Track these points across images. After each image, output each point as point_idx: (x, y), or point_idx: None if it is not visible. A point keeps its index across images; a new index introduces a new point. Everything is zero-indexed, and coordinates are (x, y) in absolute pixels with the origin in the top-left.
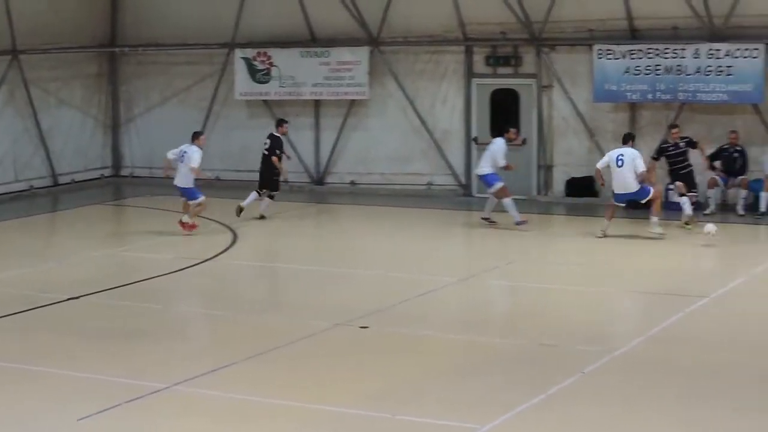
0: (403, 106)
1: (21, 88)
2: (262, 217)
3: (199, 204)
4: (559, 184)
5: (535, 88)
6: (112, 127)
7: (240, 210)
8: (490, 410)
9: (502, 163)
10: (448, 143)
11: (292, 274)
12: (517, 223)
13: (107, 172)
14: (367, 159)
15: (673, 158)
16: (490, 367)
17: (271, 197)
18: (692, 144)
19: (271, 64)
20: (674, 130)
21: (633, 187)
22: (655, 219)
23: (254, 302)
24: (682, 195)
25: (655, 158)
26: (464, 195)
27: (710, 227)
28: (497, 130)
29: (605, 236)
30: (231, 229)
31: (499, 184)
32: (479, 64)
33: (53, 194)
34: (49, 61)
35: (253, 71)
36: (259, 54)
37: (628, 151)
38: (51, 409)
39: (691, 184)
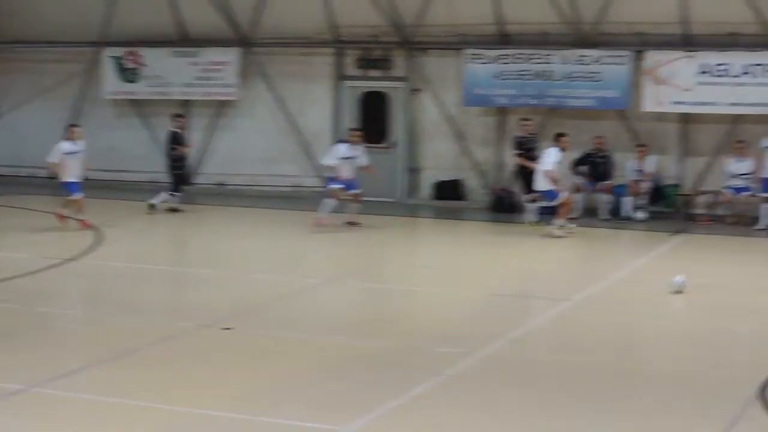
0: (273, 107)
1: None
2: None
3: (74, 200)
4: (426, 188)
5: (405, 91)
6: None
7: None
8: (351, 412)
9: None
10: (317, 145)
11: (156, 275)
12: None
13: None
14: (236, 160)
15: (527, 152)
16: (352, 368)
17: (174, 192)
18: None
19: (140, 63)
20: (525, 123)
21: (541, 186)
22: (558, 222)
23: (116, 303)
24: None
25: (519, 153)
26: None
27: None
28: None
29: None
30: (96, 229)
31: None
32: (350, 67)
33: None
34: None
35: (121, 70)
36: (128, 53)
37: (547, 150)
38: None
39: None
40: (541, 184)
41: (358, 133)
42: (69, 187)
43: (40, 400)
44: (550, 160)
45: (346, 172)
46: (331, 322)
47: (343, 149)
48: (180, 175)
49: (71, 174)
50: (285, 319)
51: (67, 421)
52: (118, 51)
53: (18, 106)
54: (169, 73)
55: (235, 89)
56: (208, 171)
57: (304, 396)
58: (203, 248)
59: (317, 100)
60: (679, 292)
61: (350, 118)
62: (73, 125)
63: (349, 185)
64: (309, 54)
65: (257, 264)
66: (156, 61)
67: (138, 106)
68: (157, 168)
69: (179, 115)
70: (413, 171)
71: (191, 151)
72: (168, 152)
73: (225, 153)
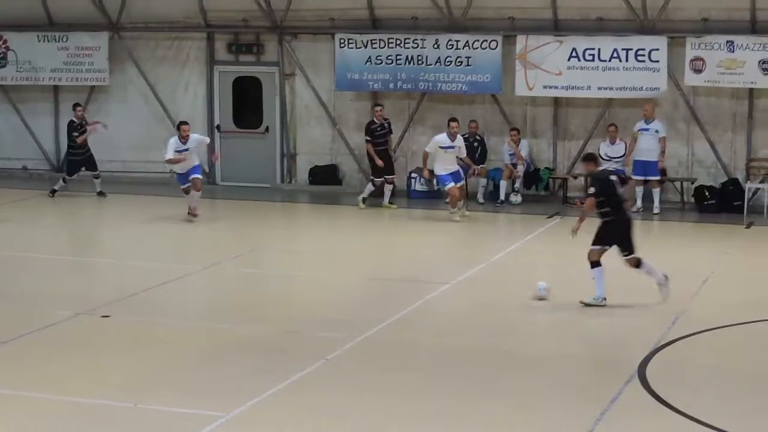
0: (145, 92)
1: None
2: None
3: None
4: (302, 173)
5: (278, 76)
6: None
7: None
8: (234, 398)
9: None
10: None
11: (31, 263)
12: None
13: None
14: (109, 146)
15: (377, 138)
16: (234, 354)
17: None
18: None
19: (7, 48)
20: (377, 108)
21: (438, 169)
22: (453, 209)
23: None
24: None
25: (368, 140)
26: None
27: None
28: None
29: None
30: None
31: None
32: (221, 51)
33: None
34: None
35: None
36: None
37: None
38: None
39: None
40: (437, 167)
41: (186, 127)
42: None
43: None
44: (434, 145)
45: (185, 164)
46: (211, 308)
47: (175, 142)
48: (74, 162)
49: None
50: (164, 306)
51: None
52: None
53: None
54: (37, 58)
55: (106, 74)
56: None
57: (185, 382)
58: (78, 236)
59: (189, 86)
60: (542, 299)
61: (223, 103)
62: None
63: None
64: (179, 38)
65: (134, 251)
66: (23, 45)
67: (6, 91)
68: (29, 154)
69: (77, 105)
70: (289, 156)
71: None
72: (69, 141)
73: (98, 139)
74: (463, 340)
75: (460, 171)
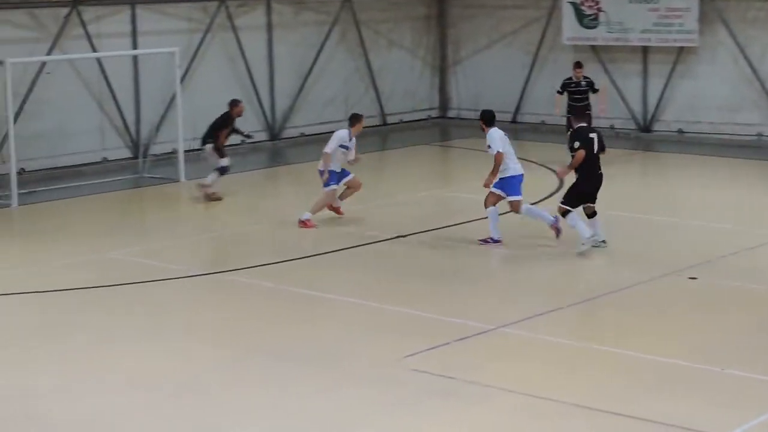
0: (734, 54)
1: (353, 29)
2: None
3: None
4: None
5: None
6: (440, 69)
7: None
8: None
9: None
10: None
11: (615, 222)
12: None
13: (434, 114)
14: (696, 107)
15: None
16: None
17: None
18: None
19: (599, 9)
20: None
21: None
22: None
23: (573, 248)
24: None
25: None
26: None
27: None
28: None
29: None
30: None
31: None
32: None
33: (382, 134)
34: (380, 2)
35: (580, 16)
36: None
37: None
38: (375, 342)
39: None
40: None
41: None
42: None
43: (507, 340)
44: None
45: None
46: None
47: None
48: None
49: None
50: (751, 271)
51: (536, 362)
52: None
53: (478, 51)
54: (627, 19)
55: (695, 36)
56: (667, 118)
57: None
58: (665, 196)
59: None
60: None
61: None
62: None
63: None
64: None
65: (719, 214)
66: (614, 6)
67: (596, 52)
68: (618, 114)
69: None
70: None
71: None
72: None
73: (684, 100)
74: None
75: None
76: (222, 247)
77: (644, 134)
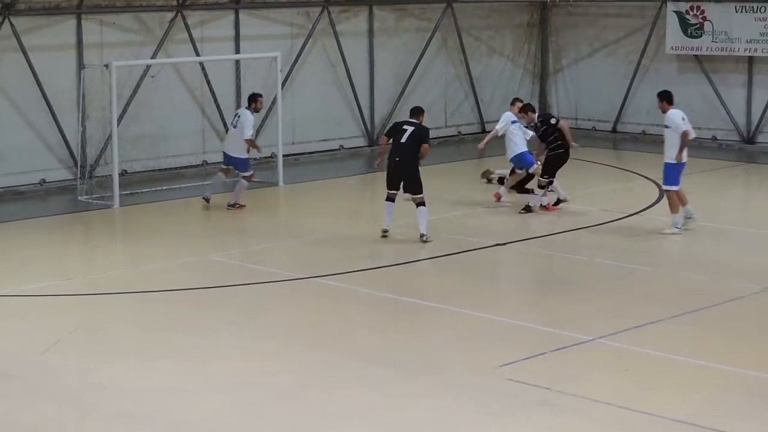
0: None
1: (454, 35)
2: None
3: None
4: None
5: None
6: (540, 77)
7: None
8: None
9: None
10: None
11: (720, 234)
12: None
13: None
14: None
15: None
16: None
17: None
18: None
19: (704, 18)
20: None
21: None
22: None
23: (674, 259)
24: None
25: None
26: None
27: None
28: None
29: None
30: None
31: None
32: None
33: (480, 141)
34: (481, 9)
35: (685, 25)
36: (691, 8)
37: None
38: (472, 350)
39: None
40: None
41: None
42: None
43: (603, 352)
44: None
45: None
46: None
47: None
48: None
49: None
50: None
51: (627, 375)
52: (682, 6)
53: (579, 59)
54: (733, 28)
55: None
56: None
57: None
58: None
59: None
60: None
61: None
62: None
63: None
64: None
65: None
66: (720, 16)
67: (701, 61)
68: (719, 125)
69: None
70: None
71: None
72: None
73: None
74: None
75: None
76: (320, 250)
77: (747, 146)
